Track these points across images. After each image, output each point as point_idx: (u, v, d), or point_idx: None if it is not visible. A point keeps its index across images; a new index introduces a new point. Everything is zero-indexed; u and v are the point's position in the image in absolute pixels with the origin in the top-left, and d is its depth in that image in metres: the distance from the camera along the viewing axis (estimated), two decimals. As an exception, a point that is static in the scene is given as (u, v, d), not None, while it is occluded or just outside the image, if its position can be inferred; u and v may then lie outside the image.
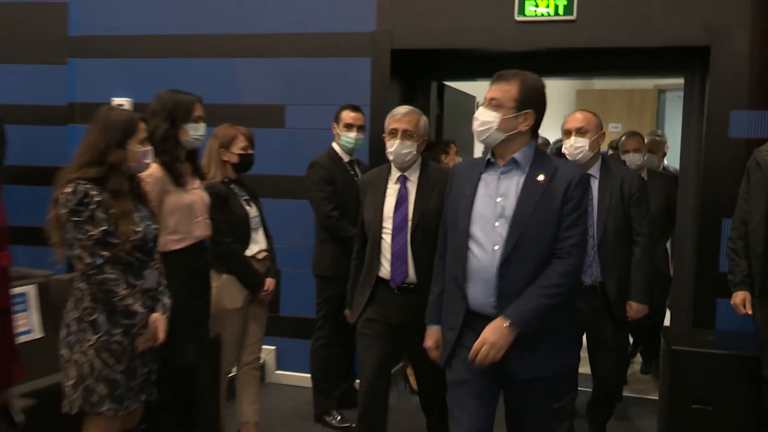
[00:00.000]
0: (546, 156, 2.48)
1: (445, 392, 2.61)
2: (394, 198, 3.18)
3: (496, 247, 2.35)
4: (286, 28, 4.74)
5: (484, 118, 2.41)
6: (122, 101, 4.89)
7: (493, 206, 2.39)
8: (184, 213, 3.03)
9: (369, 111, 4.48)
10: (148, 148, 2.73)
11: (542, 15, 4.37)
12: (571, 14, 4.32)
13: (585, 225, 2.42)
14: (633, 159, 4.70)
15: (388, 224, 3.16)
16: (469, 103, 6.10)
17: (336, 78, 4.65)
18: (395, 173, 3.24)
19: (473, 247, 2.40)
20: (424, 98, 5.11)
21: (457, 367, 2.46)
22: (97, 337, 2.53)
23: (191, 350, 3.02)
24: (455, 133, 5.63)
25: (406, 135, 3.14)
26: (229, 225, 3.38)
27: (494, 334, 2.29)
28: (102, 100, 4.79)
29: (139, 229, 2.60)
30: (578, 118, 3.48)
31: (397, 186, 3.21)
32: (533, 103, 2.42)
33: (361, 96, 4.54)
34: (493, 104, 2.40)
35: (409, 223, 3.12)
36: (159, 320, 2.63)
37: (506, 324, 2.29)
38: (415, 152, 3.19)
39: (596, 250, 3.32)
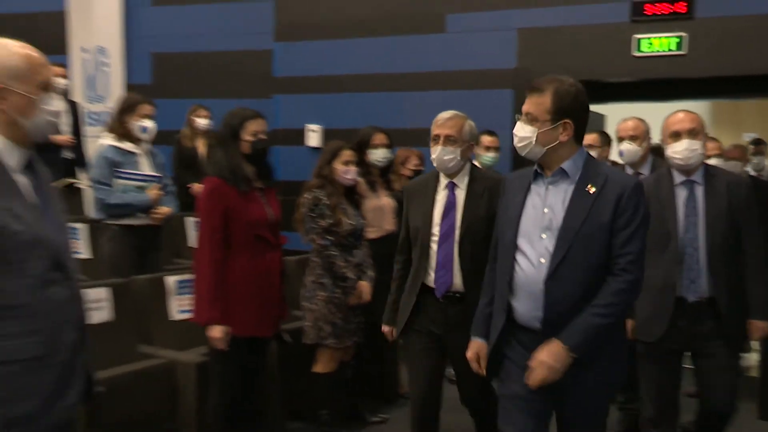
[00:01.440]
0: (597, 164, 2.40)
1: (493, 404, 2.65)
2: (443, 205, 3.10)
3: (543, 260, 2.30)
4: (444, 66, 5.90)
5: (522, 134, 2.35)
6: (314, 127, 6.24)
7: (540, 218, 2.34)
8: (377, 212, 4.22)
9: (508, 134, 5.54)
10: (351, 168, 3.93)
11: (656, 51, 5.28)
12: (683, 50, 5.20)
13: (644, 239, 2.35)
14: (629, 148, 4.40)
15: (436, 231, 3.08)
16: (599, 122, 6.99)
17: (482, 106, 5.75)
18: (444, 180, 3.14)
19: (520, 260, 2.35)
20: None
21: (508, 381, 2.42)
22: (324, 293, 3.76)
23: (381, 310, 4.22)
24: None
25: (449, 141, 3.04)
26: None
27: (551, 357, 2.25)
28: (299, 126, 6.17)
29: (352, 222, 3.82)
30: (690, 118, 3.14)
31: (446, 192, 3.12)
32: (570, 111, 2.31)
33: (504, 121, 5.61)
34: (529, 118, 2.34)
35: (457, 231, 3.04)
36: (364, 286, 3.83)
37: (564, 347, 2.24)
38: (459, 158, 3.07)
39: (706, 262, 3.01)
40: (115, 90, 7.03)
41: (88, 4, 7.12)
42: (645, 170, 3.81)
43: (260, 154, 3.24)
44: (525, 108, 2.35)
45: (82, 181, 5.52)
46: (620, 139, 3.85)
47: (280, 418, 3.72)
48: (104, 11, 7.10)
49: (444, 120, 3.10)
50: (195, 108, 5.74)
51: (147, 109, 4.14)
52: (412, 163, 4.64)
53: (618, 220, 2.27)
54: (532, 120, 2.32)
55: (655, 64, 5.31)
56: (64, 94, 5.73)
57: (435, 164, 3.09)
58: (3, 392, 1.75)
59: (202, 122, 5.65)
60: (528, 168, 2.44)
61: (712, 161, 4.54)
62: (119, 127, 4.10)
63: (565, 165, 2.34)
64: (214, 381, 3.18)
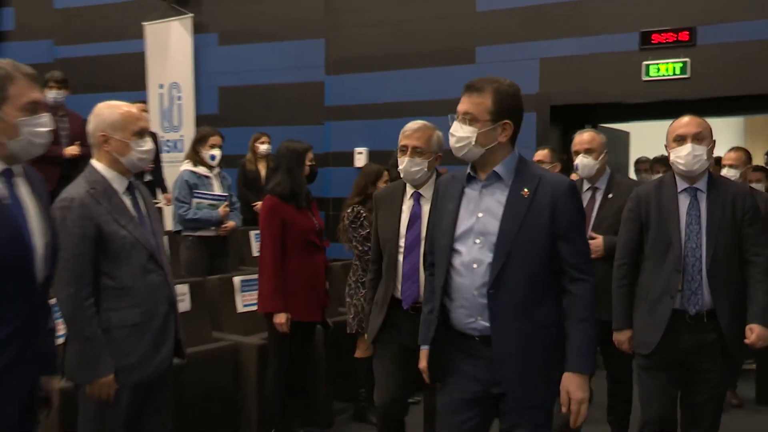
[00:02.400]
0: (530, 166, 2.34)
1: None
2: (408, 216, 3.09)
3: (475, 266, 2.25)
4: (474, 93, 6.60)
5: (460, 134, 2.26)
6: (361, 150, 7.02)
7: (474, 223, 2.28)
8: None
9: (534, 152, 6.20)
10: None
11: (663, 75, 5.88)
12: (687, 74, 5.79)
13: (585, 237, 2.35)
14: (729, 174, 4.57)
15: (402, 243, 3.07)
16: (623, 138, 7.57)
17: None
18: (410, 190, 3.14)
19: (455, 265, 2.29)
20: (579, 138, 6.74)
21: (448, 387, 2.39)
22: (364, 291, 4.49)
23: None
24: (611, 163, 7.16)
25: (416, 152, 3.02)
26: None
27: (581, 389, 2.23)
28: (348, 149, 6.96)
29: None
30: (696, 122, 2.99)
31: (411, 203, 3.12)
32: (510, 112, 2.27)
33: (527, 140, 6.27)
34: (468, 118, 2.26)
35: (422, 243, 3.01)
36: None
37: (582, 375, 2.23)
38: (426, 169, 3.05)
39: (706, 274, 2.90)
40: (187, 120, 7.98)
41: (164, 45, 8.10)
42: (601, 184, 3.77)
43: (313, 176, 4.02)
44: (463, 108, 2.28)
45: (161, 200, 6.41)
46: (575, 153, 3.80)
47: (325, 394, 4.45)
48: (177, 51, 8.06)
49: (412, 131, 3.08)
50: (257, 135, 6.58)
51: (216, 140, 4.99)
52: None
53: (558, 223, 2.23)
54: (471, 120, 2.25)
55: (663, 86, 5.91)
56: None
57: (402, 175, 3.09)
58: (117, 348, 2.52)
59: (263, 147, 6.48)
60: (461, 171, 2.39)
61: (729, 171, 4.58)
62: (194, 155, 4.96)
63: (498, 168, 2.28)
64: (272, 359, 3.91)
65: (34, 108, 2.01)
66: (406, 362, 3.05)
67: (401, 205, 3.14)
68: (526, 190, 2.25)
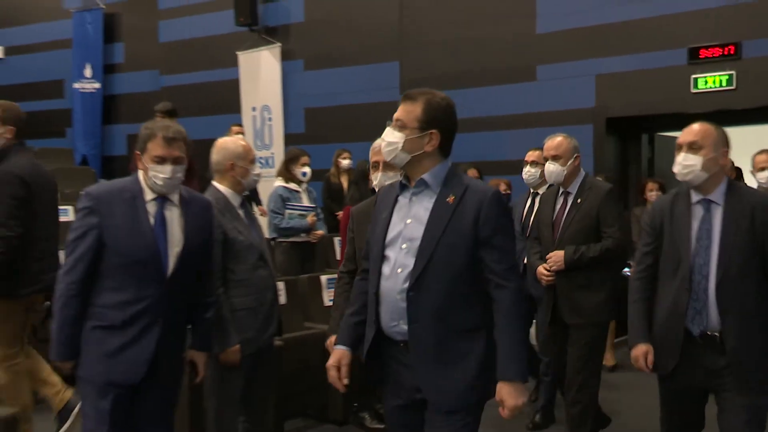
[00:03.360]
0: (459, 176, 2.37)
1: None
2: None
3: (399, 270, 2.29)
4: (535, 108, 7.21)
5: (390, 139, 2.33)
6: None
7: (403, 228, 2.33)
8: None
9: (593, 160, 6.76)
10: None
11: (710, 87, 6.34)
12: (732, 85, 6.23)
13: (513, 245, 2.36)
14: (762, 176, 4.56)
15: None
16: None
17: (569, 139, 7.00)
18: None
19: (384, 270, 2.34)
20: (635, 147, 7.24)
21: (388, 395, 2.44)
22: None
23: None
24: (668, 171, 7.62)
25: (388, 166, 3.08)
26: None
27: (517, 397, 2.22)
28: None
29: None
30: (694, 131, 2.78)
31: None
32: (438, 122, 2.31)
33: (586, 150, 6.81)
34: (398, 125, 2.32)
35: None
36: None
37: (514, 382, 2.23)
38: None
39: (714, 292, 2.68)
40: (277, 139, 8.87)
41: (255, 72, 9.03)
42: (573, 189, 3.75)
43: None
44: (396, 115, 2.35)
45: (255, 211, 7.25)
46: (545, 159, 3.82)
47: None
48: (268, 77, 8.97)
49: (381, 147, 3.10)
50: (340, 152, 7.36)
51: (305, 159, 5.79)
52: (501, 189, 5.98)
53: (482, 230, 2.26)
54: (401, 126, 2.32)
55: (710, 97, 6.36)
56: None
57: (377, 189, 3.11)
58: (238, 325, 3.30)
59: (345, 162, 7.25)
60: (396, 180, 2.47)
61: (761, 174, 4.56)
62: (286, 173, 5.77)
63: (426, 176, 2.33)
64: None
65: (161, 161, 2.69)
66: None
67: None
68: (452, 197, 2.30)
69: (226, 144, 3.38)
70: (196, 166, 5.35)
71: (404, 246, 2.32)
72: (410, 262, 2.29)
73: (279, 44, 8.88)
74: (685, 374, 2.78)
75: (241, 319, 3.27)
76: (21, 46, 11.38)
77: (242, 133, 7.72)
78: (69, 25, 10.62)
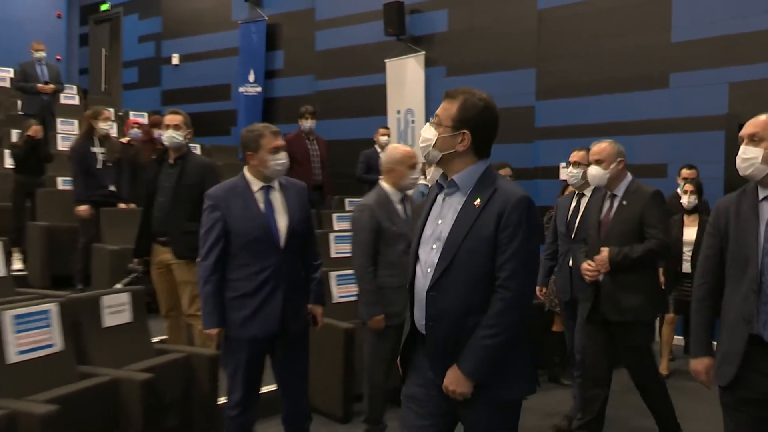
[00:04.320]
0: (493, 178, 2.34)
1: None
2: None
3: (429, 270, 2.32)
4: (667, 114, 7.46)
5: (425, 135, 2.35)
6: (563, 164, 8.13)
7: (435, 228, 2.36)
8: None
9: (724, 166, 6.96)
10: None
11: None
12: None
13: (530, 253, 2.30)
14: None
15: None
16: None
17: (699, 145, 7.20)
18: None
19: (417, 268, 2.38)
20: None
21: (409, 383, 2.48)
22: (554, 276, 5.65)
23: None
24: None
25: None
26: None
27: (456, 384, 2.28)
28: (554, 164, 8.11)
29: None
30: (756, 122, 2.68)
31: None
32: (471, 122, 2.29)
33: (718, 156, 7.02)
34: (435, 122, 2.34)
35: None
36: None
37: (463, 375, 2.26)
38: None
39: None
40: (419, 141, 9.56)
41: (401, 78, 9.76)
42: (619, 191, 3.92)
43: None
44: (437, 111, 2.36)
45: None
46: (588, 163, 4.03)
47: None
48: (412, 83, 9.67)
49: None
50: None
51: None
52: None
53: (501, 234, 2.25)
54: (437, 124, 2.34)
55: None
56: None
57: (430, 185, 3.51)
58: (386, 300, 3.96)
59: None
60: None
61: None
62: (424, 172, 6.44)
63: (456, 177, 2.33)
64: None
65: (276, 150, 3.38)
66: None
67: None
68: (478, 200, 2.29)
69: (396, 150, 4.05)
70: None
71: (434, 246, 2.34)
72: (436, 263, 2.31)
73: (423, 52, 9.55)
74: (747, 386, 2.58)
75: (388, 295, 3.93)
76: (193, 54, 12.76)
77: (388, 135, 8.47)
78: (236, 35, 11.81)
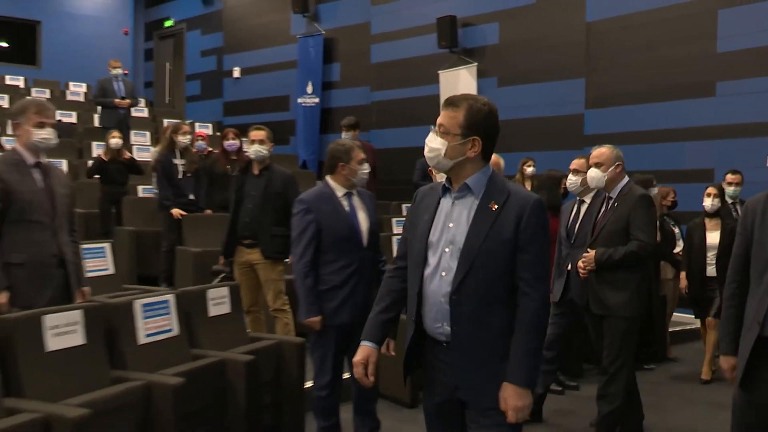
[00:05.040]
0: (502, 182, 2.41)
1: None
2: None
3: (444, 274, 2.34)
4: (713, 122, 7.77)
5: (433, 145, 2.37)
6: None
7: (445, 232, 2.37)
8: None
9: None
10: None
11: None
12: None
13: (547, 256, 2.38)
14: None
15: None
16: None
17: (745, 151, 7.49)
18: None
19: (426, 272, 2.38)
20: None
21: (427, 393, 2.49)
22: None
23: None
24: None
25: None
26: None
27: (518, 399, 2.28)
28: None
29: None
30: None
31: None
32: (480, 128, 2.34)
33: (762, 161, 7.30)
34: (441, 131, 2.36)
35: None
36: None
37: (519, 387, 2.28)
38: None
39: None
40: (472, 148, 9.99)
41: (454, 89, 10.17)
42: (614, 193, 4.12)
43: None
44: (439, 120, 2.38)
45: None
46: (589, 166, 4.22)
47: (577, 354, 6.00)
48: (464, 92, 10.08)
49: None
50: (525, 160, 8.32)
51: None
52: (670, 198, 6.64)
53: (520, 236, 2.30)
54: (444, 133, 2.35)
55: None
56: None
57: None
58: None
59: (529, 170, 8.19)
60: (438, 182, 2.50)
61: None
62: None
63: (470, 180, 2.37)
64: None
65: (362, 162, 3.87)
66: None
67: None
68: (494, 203, 2.34)
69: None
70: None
71: (447, 249, 2.36)
72: (454, 266, 2.34)
73: (475, 64, 9.99)
74: (758, 389, 2.63)
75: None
76: (254, 67, 13.41)
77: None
78: (294, 49, 12.42)
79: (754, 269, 2.68)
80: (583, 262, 4.14)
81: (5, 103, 11.44)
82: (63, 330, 3.13)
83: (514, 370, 2.30)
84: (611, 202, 4.11)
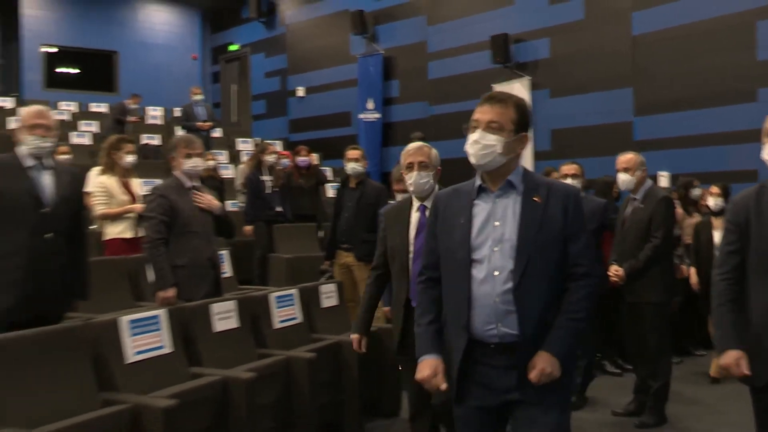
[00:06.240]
0: (535, 175, 2.43)
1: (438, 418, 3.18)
2: (416, 225, 3.32)
3: (497, 273, 2.29)
4: (754, 126, 8.32)
5: (486, 142, 2.31)
6: (664, 173, 9.09)
7: (491, 231, 2.33)
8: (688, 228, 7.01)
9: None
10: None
11: None
12: None
13: (592, 242, 2.38)
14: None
15: (411, 249, 3.30)
16: None
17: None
18: (416, 203, 3.38)
19: (475, 275, 2.32)
20: None
21: (468, 398, 2.39)
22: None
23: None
24: None
25: (422, 166, 3.33)
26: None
27: (547, 364, 2.26)
28: (651, 173, 9.11)
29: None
30: None
31: (418, 215, 3.35)
32: (527, 125, 2.37)
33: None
34: (494, 127, 2.31)
35: None
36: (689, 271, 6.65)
37: (552, 356, 2.26)
38: (432, 181, 3.36)
39: None
40: (526, 156, 10.67)
41: (509, 101, 10.91)
42: (639, 195, 4.63)
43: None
44: (487, 117, 2.32)
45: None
46: (617, 171, 4.64)
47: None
48: (518, 105, 10.79)
49: (414, 149, 3.40)
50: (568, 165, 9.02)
51: (555, 174, 7.57)
52: (714, 193, 7.21)
53: (570, 227, 2.33)
54: (497, 129, 2.31)
55: None
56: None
57: (411, 189, 3.35)
58: None
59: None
60: (460, 185, 2.48)
61: None
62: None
63: (512, 177, 2.36)
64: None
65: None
66: None
67: (409, 217, 3.39)
68: (538, 196, 2.34)
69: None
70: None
71: (496, 248, 2.32)
72: (508, 264, 2.30)
73: (528, 77, 10.69)
74: None
75: None
76: (317, 86, 14.33)
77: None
78: (355, 68, 13.28)
79: (758, 265, 2.61)
80: (614, 276, 4.67)
81: (95, 129, 12.56)
82: (223, 316, 3.99)
83: (554, 342, 2.30)
84: (636, 203, 4.62)
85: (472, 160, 2.35)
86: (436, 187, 3.39)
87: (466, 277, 2.33)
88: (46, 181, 3.67)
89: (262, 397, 3.67)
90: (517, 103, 2.38)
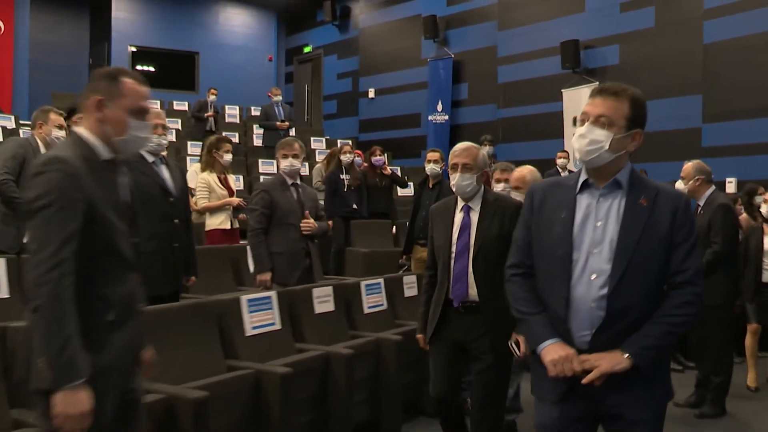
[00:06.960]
0: (642, 177, 2.29)
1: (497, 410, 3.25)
2: (459, 226, 3.35)
3: (594, 276, 2.17)
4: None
5: (593, 137, 2.18)
6: (731, 180, 9.26)
7: (592, 231, 2.20)
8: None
9: None
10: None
11: None
12: None
13: (699, 252, 2.26)
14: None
15: (454, 248, 3.32)
16: None
17: None
18: (460, 203, 3.39)
19: (574, 275, 2.19)
20: None
21: (555, 405, 2.29)
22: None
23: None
24: None
25: (466, 168, 3.31)
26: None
27: (611, 363, 2.11)
28: (720, 179, 9.28)
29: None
30: None
31: (462, 215, 3.37)
32: (642, 122, 2.23)
33: None
34: (604, 122, 2.18)
35: (471, 249, 3.28)
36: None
37: (625, 356, 2.12)
38: (475, 183, 3.34)
39: None
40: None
41: (577, 106, 11.11)
42: (701, 202, 4.94)
43: None
44: (596, 110, 2.21)
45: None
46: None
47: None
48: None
49: (460, 150, 3.39)
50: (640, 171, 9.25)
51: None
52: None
53: (676, 234, 2.17)
54: (607, 124, 2.19)
55: None
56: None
57: (454, 189, 3.34)
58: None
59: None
60: (563, 177, 2.35)
61: None
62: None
63: (620, 176, 2.23)
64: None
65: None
66: (457, 356, 3.38)
67: (453, 217, 3.40)
68: (645, 199, 2.21)
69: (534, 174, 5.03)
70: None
71: (596, 250, 2.20)
72: (606, 267, 2.18)
73: (597, 83, 10.93)
74: None
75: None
76: (387, 88, 14.81)
77: (566, 158, 9.94)
78: (425, 71, 13.71)
79: None
80: None
81: (178, 126, 13.31)
82: (322, 300, 4.49)
83: (633, 342, 2.15)
84: (698, 210, 4.90)
85: (577, 155, 2.26)
86: (481, 188, 3.41)
87: (566, 277, 2.21)
88: (166, 174, 4.13)
89: (358, 372, 4.14)
90: (633, 97, 2.25)
